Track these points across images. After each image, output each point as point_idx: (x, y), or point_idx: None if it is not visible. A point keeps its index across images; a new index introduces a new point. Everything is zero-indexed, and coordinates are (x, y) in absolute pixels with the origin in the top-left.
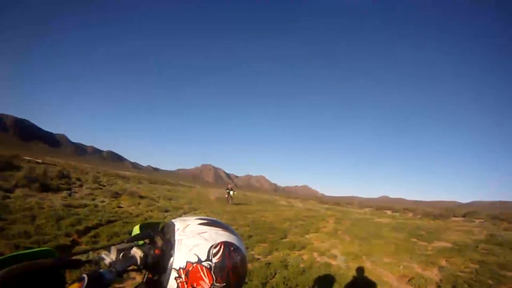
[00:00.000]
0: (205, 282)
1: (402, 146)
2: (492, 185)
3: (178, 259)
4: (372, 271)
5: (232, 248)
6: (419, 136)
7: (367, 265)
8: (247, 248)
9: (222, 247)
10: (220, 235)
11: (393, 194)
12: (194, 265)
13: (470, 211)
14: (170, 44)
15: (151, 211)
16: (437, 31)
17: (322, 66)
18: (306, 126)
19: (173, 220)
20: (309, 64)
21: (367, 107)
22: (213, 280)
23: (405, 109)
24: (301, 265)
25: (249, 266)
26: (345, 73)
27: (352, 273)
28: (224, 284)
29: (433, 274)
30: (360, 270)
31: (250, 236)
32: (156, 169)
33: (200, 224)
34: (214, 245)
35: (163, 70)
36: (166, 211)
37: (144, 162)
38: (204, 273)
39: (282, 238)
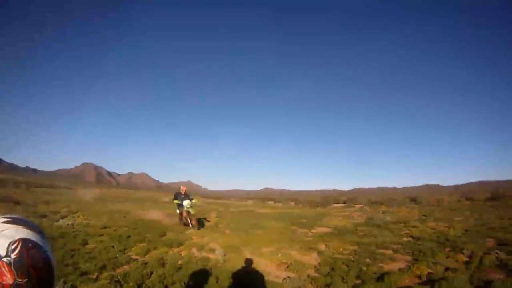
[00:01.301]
0: (7, 277)
1: (284, 137)
2: (371, 173)
3: None
4: (251, 261)
5: (30, 245)
6: (298, 128)
7: (246, 255)
8: (124, 249)
9: (20, 243)
10: (19, 232)
11: (276, 186)
12: None
13: (350, 198)
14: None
15: (26, 217)
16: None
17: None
18: (186, 120)
19: None
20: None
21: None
22: (14, 276)
23: (278, 100)
24: (179, 262)
25: (126, 267)
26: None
27: (230, 264)
28: (26, 279)
29: (312, 258)
30: (238, 261)
31: (129, 237)
32: (35, 170)
33: (3, 222)
34: (12, 242)
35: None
36: (43, 216)
37: (22, 163)
38: (5, 269)
39: (161, 236)
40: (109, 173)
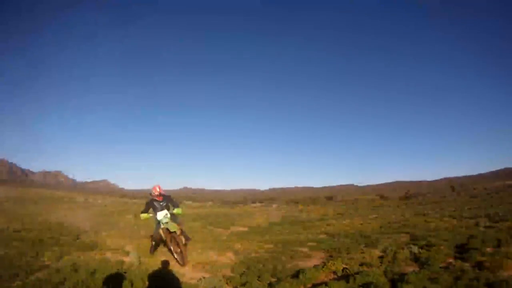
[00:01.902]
0: None
1: (202, 136)
2: (288, 173)
3: None
4: (166, 263)
5: None
6: (216, 127)
7: (161, 257)
8: (37, 254)
9: None
10: None
11: (195, 185)
12: None
13: (268, 197)
14: None
15: None
16: None
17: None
18: (102, 115)
19: None
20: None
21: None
22: None
23: (196, 98)
24: (93, 266)
25: (39, 274)
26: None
27: (145, 267)
28: None
29: (228, 258)
30: (153, 263)
31: (41, 240)
32: None
33: None
34: None
35: None
36: None
37: None
38: None
39: (75, 239)
40: (22, 170)
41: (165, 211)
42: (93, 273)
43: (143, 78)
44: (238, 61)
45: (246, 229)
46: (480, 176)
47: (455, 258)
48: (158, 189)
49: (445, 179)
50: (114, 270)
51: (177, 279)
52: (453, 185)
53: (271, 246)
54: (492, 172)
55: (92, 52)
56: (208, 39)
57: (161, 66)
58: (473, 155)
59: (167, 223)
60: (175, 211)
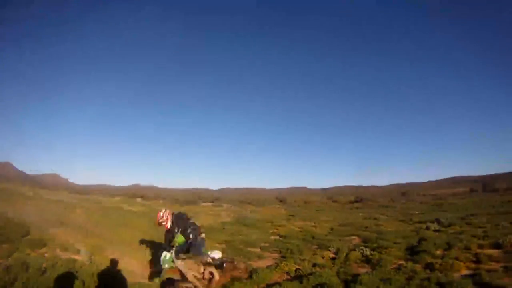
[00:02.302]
0: None
1: (153, 132)
2: (239, 174)
3: None
4: (117, 261)
5: None
6: (168, 124)
7: (112, 255)
8: None
9: None
10: None
11: (144, 182)
12: None
13: (219, 197)
14: None
15: None
16: None
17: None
18: (54, 106)
19: None
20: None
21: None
22: None
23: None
24: (44, 265)
25: None
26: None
27: (96, 266)
28: None
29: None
30: (105, 262)
31: None
32: None
33: None
34: None
35: None
36: None
37: None
38: None
39: (23, 236)
40: None
41: (165, 253)
42: (44, 272)
43: (96, 65)
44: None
45: None
46: (430, 183)
47: (406, 260)
48: (162, 215)
49: (396, 185)
50: (64, 269)
51: (128, 279)
52: (403, 191)
53: (223, 245)
54: (440, 180)
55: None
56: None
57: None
58: (423, 163)
59: (169, 260)
60: (178, 240)
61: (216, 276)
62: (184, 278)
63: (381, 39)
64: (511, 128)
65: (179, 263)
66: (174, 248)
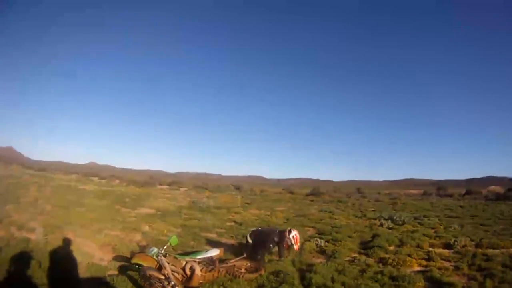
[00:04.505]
0: None
1: (113, 109)
2: (196, 158)
3: None
4: (73, 242)
5: None
6: (129, 103)
7: (68, 235)
8: None
9: None
10: None
11: (101, 161)
12: None
13: (175, 180)
14: None
15: None
16: None
17: None
18: (12, 77)
19: None
20: None
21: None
22: None
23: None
24: None
25: None
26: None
27: (52, 246)
28: None
29: (136, 239)
30: (61, 242)
31: None
32: None
33: None
34: None
35: None
36: None
37: None
38: None
39: None
40: None
41: (153, 248)
42: None
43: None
44: None
45: (153, 211)
46: (384, 182)
47: (360, 253)
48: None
49: (352, 181)
50: (20, 249)
51: (85, 260)
52: (358, 187)
53: (179, 230)
54: (395, 180)
55: None
56: None
57: None
58: (381, 163)
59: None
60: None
61: (197, 272)
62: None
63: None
64: (468, 137)
65: (160, 258)
66: (164, 246)
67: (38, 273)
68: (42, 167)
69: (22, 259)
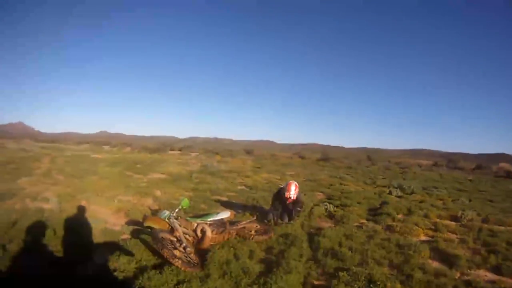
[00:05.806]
0: None
1: (120, 79)
2: (208, 124)
3: None
4: (87, 209)
5: None
6: (138, 71)
7: (82, 203)
8: None
9: None
10: None
11: (112, 129)
12: None
13: (186, 145)
14: None
15: None
16: None
17: None
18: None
19: None
20: None
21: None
22: None
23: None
24: (14, 216)
25: None
26: None
27: (66, 214)
28: None
29: (148, 204)
30: (74, 210)
31: None
32: None
33: None
34: None
35: None
36: None
37: None
38: None
39: None
40: None
41: (165, 211)
42: (14, 223)
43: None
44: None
45: (165, 176)
46: (395, 151)
47: (368, 220)
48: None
49: (362, 148)
50: (35, 219)
51: (100, 226)
52: (369, 155)
53: (190, 193)
54: (406, 150)
55: None
56: None
57: None
58: (395, 132)
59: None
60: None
61: (208, 234)
62: (172, 232)
63: None
64: (480, 112)
65: (172, 220)
66: (176, 209)
67: (53, 240)
68: (54, 139)
69: (38, 228)
